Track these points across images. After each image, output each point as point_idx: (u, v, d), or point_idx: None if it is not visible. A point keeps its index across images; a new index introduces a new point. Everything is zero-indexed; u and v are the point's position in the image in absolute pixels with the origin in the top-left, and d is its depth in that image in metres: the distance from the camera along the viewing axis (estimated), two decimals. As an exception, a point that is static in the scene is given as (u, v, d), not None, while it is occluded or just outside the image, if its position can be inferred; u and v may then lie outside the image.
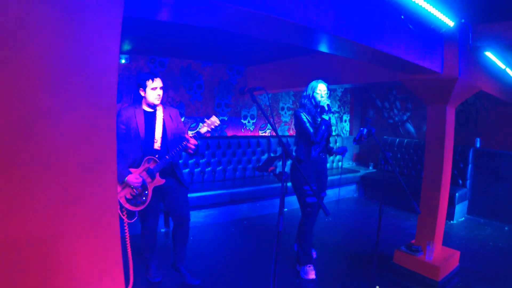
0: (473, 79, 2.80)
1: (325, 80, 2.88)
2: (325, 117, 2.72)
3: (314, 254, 3.04)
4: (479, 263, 3.17)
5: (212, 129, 2.44)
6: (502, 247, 3.61)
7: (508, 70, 3.46)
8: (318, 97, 2.77)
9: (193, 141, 2.36)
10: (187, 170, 4.43)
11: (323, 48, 2.11)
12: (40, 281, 0.99)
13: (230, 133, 5.15)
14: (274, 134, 5.47)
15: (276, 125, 5.67)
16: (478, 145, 4.82)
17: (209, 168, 4.62)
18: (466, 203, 4.72)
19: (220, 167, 4.72)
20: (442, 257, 2.83)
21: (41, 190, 0.97)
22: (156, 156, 2.40)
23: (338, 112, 6.56)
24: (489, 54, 2.91)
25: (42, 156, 0.97)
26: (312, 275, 2.80)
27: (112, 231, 1.13)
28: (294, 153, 2.91)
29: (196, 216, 3.99)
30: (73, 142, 1.02)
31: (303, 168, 2.83)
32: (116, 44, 1.07)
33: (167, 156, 2.37)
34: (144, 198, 2.36)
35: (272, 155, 5.06)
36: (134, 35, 3.21)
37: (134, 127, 2.36)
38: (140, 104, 2.45)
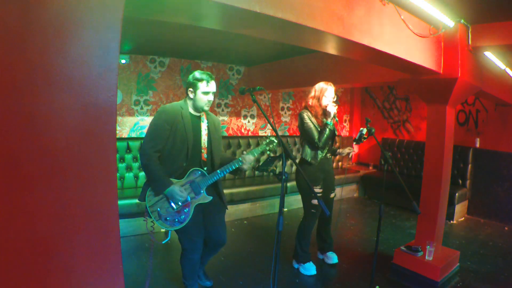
0: (473, 79, 2.80)
1: (326, 80, 2.87)
2: (330, 122, 2.73)
3: (336, 259, 3.06)
4: (479, 263, 3.17)
5: (271, 149, 2.21)
6: (502, 247, 3.61)
7: (508, 70, 3.46)
8: (326, 101, 2.76)
9: (250, 159, 2.11)
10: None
11: (323, 48, 2.11)
12: (40, 281, 0.99)
13: (230, 133, 5.15)
14: (274, 134, 5.47)
15: (276, 125, 5.67)
16: (478, 145, 4.82)
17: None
18: (466, 203, 4.72)
19: (220, 167, 4.72)
20: (442, 257, 2.83)
21: (41, 190, 0.97)
22: (205, 168, 2.10)
23: (338, 112, 6.56)
24: (489, 54, 2.91)
25: (42, 156, 0.96)
26: (313, 270, 2.88)
27: (112, 231, 1.13)
28: (301, 155, 2.91)
29: (196, 216, 3.99)
30: (73, 142, 1.02)
31: (310, 169, 2.84)
32: (116, 44, 1.07)
33: (218, 171, 2.06)
34: (183, 216, 2.00)
35: (272, 155, 5.07)
36: (134, 35, 3.21)
37: (181, 131, 2.01)
38: (186, 105, 2.11)
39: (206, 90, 2.03)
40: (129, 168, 4.08)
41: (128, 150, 4.07)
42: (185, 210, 2.02)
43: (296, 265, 2.97)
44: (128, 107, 4.23)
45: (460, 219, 4.57)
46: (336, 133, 2.96)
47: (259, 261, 3.09)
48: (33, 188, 0.96)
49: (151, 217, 2.00)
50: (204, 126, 2.15)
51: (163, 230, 1.96)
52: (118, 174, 3.93)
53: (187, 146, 2.03)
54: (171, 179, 2.00)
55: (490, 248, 3.59)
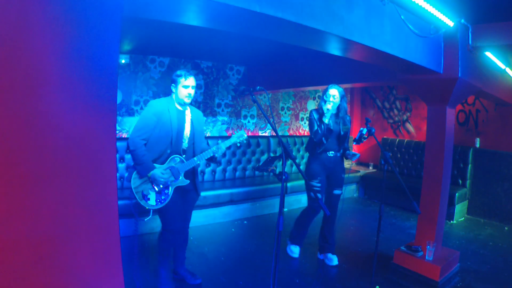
0: (473, 79, 2.80)
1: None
2: (324, 120, 2.90)
3: (337, 261, 3.07)
4: (479, 263, 3.17)
5: (240, 141, 2.45)
6: (502, 247, 3.61)
7: (508, 70, 3.46)
8: (326, 101, 2.93)
9: (223, 147, 2.39)
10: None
11: (323, 48, 2.11)
12: (40, 281, 0.99)
13: (230, 133, 5.15)
14: (274, 134, 5.47)
15: (276, 125, 5.67)
16: (478, 145, 4.82)
17: (209, 168, 4.62)
18: (466, 203, 4.72)
19: (220, 167, 4.72)
20: (442, 257, 2.83)
21: (41, 190, 0.97)
22: (184, 156, 2.38)
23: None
24: (489, 54, 2.91)
25: (42, 156, 0.96)
26: (295, 254, 3.17)
27: (112, 231, 1.13)
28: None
29: (196, 216, 3.99)
30: (73, 142, 1.02)
31: (309, 162, 3.05)
32: (116, 44, 1.07)
33: (195, 158, 2.35)
34: (164, 197, 2.30)
35: (272, 155, 5.06)
36: (134, 35, 3.21)
37: (167, 122, 2.30)
38: (172, 100, 2.41)
39: (185, 84, 2.32)
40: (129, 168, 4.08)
41: (128, 150, 4.06)
42: (165, 191, 2.30)
43: (288, 242, 3.24)
44: (128, 107, 4.23)
45: (460, 219, 4.57)
46: (341, 132, 3.03)
47: (259, 261, 3.10)
48: (33, 188, 0.96)
49: (135, 198, 2.26)
50: (188, 119, 2.44)
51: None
52: (118, 174, 3.93)
53: (171, 135, 2.31)
54: (154, 164, 2.28)
55: (490, 248, 3.59)
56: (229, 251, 3.32)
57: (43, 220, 0.98)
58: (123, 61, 4.11)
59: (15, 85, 0.90)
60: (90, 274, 1.08)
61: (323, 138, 2.91)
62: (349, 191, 5.69)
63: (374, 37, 1.95)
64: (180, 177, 2.34)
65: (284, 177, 1.60)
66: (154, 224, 3.48)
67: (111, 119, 1.09)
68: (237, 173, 4.86)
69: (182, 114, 2.42)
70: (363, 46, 1.91)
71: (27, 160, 0.94)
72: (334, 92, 2.93)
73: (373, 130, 2.45)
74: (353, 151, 3.08)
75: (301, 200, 4.78)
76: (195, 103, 4.73)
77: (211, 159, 2.44)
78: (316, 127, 2.91)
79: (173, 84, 2.37)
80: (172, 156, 2.33)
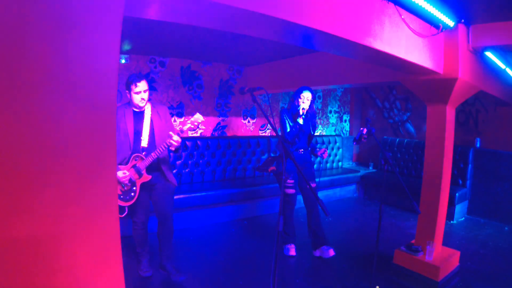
0: (473, 79, 2.80)
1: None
2: (299, 120, 3.04)
3: (332, 252, 3.11)
4: (479, 263, 3.17)
5: (195, 125, 2.47)
6: (502, 247, 3.61)
7: (508, 70, 3.46)
8: (300, 102, 3.05)
9: (176, 138, 2.36)
10: (186, 170, 4.43)
11: (323, 48, 2.11)
12: (40, 281, 0.99)
13: (230, 133, 5.15)
14: (274, 134, 5.47)
15: (276, 125, 5.67)
16: (478, 145, 4.82)
17: (210, 168, 4.62)
18: (466, 203, 4.72)
19: (220, 167, 4.72)
20: (442, 257, 2.83)
21: (41, 190, 0.97)
22: (143, 153, 2.48)
23: (338, 112, 6.57)
24: (489, 54, 2.91)
25: (42, 156, 0.96)
26: (292, 252, 3.19)
27: (112, 231, 1.13)
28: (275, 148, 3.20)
29: (196, 216, 3.99)
30: (73, 142, 1.02)
31: (280, 162, 3.16)
32: (116, 44, 1.07)
33: (152, 153, 2.44)
34: (132, 194, 2.47)
35: (272, 155, 5.06)
36: (134, 35, 3.21)
37: (123, 127, 2.45)
38: (130, 104, 2.52)
39: (135, 91, 2.42)
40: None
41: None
42: (133, 188, 2.47)
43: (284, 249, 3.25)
44: (128, 107, 4.23)
45: (460, 219, 4.57)
46: (312, 131, 3.19)
47: (259, 261, 3.10)
48: (33, 188, 0.96)
49: None
50: (147, 117, 2.53)
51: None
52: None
53: (128, 139, 2.45)
54: (119, 165, 2.43)
55: (490, 248, 3.59)
56: (229, 251, 3.32)
57: (43, 220, 0.98)
58: (123, 61, 4.11)
59: (15, 85, 0.90)
60: (90, 274, 1.08)
61: (296, 138, 3.07)
62: (349, 191, 5.69)
63: (374, 37, 1.95)
64: (142, 174, 2.46)
65: (284, 177, 1.60)
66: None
67: (111, 119, 1.09)
68: (237, 173, 4.86)
69: (140, 115, 2.52)
70: (363, 46, 1.91)
71: (27, 159, 0.94)
72: (308, 95, 3.07)
73: (373, 130, 2.45)
74: (321, 148, 3.22)
75: (300, 200, 4.76)
76: (195, 103, 4.74)
77: (174, 150, 2.47)
78: (289, 127, 3.05)
79: (127, 91, 2.46)
80: (133, 156, 2.45)
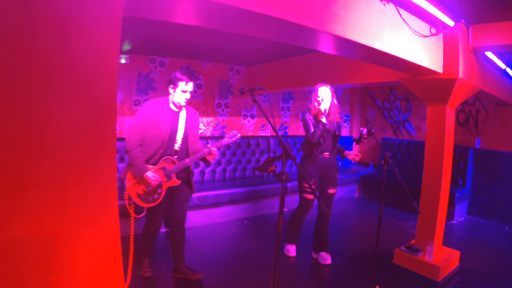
0: (473, 79, 2.80)
1: (326, 80, 2.90)
2: (323, 119, 2.81)
3: (329, 260, 3.06)
4: (479, 263, 3.17)
5: (233, 141, 2.47)
6: (502, 247, 3.61)
7: (508, 70, 3.46)
8: (319, 101, 2.87)
9: (215, 154, 2.37)
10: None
11: (323, 48, 2.11)
12: (40, 281, 0.99)
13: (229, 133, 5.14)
14: (274, 134, 5.47)
15: (276, 125, 5.67)
16: (478, 145, 4.82)
17: (210, 168, 4.62)
18: (466, 203, 4.72)
19: (220, 167, 4.72)
20: (442, 257, 2.83)
21: (41, 190, 0.97)
22: (176, 157, 2.41)
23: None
24: (489, 54, 2.91)
25: (42, 156, 0.96)
26: (292, 253, 3.19)
27: (112, 231, 1.13)
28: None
29: (196, 216, 3.99)
30: (73, 142, 1.02)
31: (305, 165, 3.00)
32: (116, 44, 1.06)
33: (187, 160, 2.38)
34: (156, 196, 2.37)
35: (272, 155, 5.06)
36: (134, 35, 3.21)
37: (160, 123, 2.34)
38: (167, 100, 2.44)
39: (184, 88, 2.36)
40: (129, 168, 4.07)
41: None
42: (158, 190, 2.37)
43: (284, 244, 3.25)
44: (128, 107, 4.23)
45: (460, 219, 4.57)
46: (336, 131, 3.00)
47: (259, 261, 3.09)
48: (33, 188, 0.96)
49: (129, 197, 2.33)
50: (182, 120, 2.46)
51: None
52: (118, 174, 3.93)
53: (163, 136, 2.34)
54: (147, 165, 2.33)
55: (490, 248, 3.58)
56: (229, 251, 3.32)
57: (43, 220, 0.98)
58: (123, 61, 4.11)
59: (15, 85, 0.90)
60: (90, 274, 1.08)
61: (321, 139, 2.88)
62: (349, 191, 5.68)
63: (374, 37, 1.95)
64: (172, 178, 2.40)
65: (284, 177, 1.60)
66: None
67: (111, 119, 1.09)
68: (237, 173, 4.86)
69: (176, 115, 2.45)
70: (363, 46, 1.91)
71: (27, 159, 0.94)
72: (326, 91, 2.87)
73: (373, 130, 2.45)
74: (354, 152, 3.02)
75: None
76: (195, 103, 4.74)
77: (204, 160, 2.46)
78: (313, 128, 2.87)
79: (171, 85, 2.38)
80: (164, 158, 2.37)
